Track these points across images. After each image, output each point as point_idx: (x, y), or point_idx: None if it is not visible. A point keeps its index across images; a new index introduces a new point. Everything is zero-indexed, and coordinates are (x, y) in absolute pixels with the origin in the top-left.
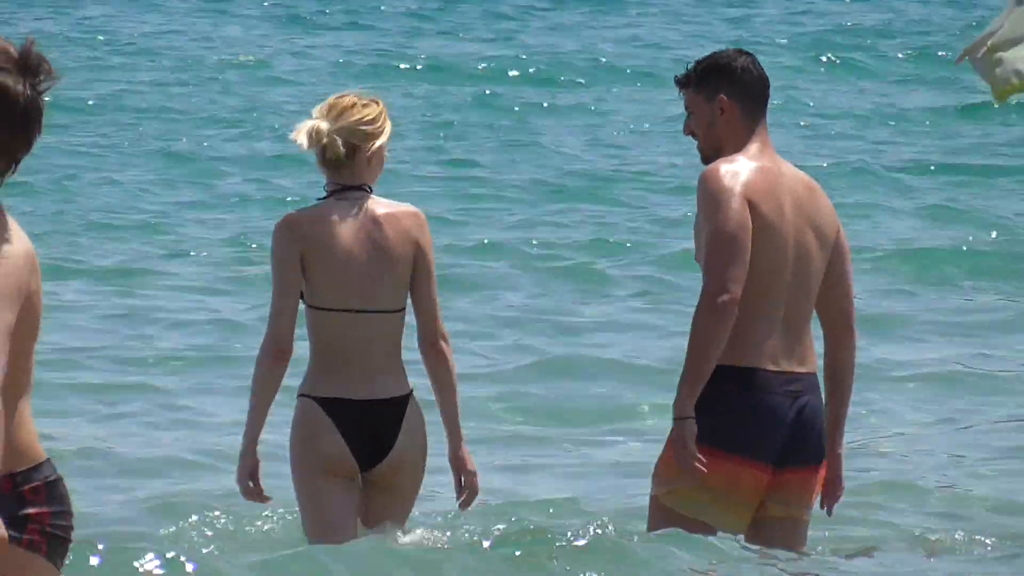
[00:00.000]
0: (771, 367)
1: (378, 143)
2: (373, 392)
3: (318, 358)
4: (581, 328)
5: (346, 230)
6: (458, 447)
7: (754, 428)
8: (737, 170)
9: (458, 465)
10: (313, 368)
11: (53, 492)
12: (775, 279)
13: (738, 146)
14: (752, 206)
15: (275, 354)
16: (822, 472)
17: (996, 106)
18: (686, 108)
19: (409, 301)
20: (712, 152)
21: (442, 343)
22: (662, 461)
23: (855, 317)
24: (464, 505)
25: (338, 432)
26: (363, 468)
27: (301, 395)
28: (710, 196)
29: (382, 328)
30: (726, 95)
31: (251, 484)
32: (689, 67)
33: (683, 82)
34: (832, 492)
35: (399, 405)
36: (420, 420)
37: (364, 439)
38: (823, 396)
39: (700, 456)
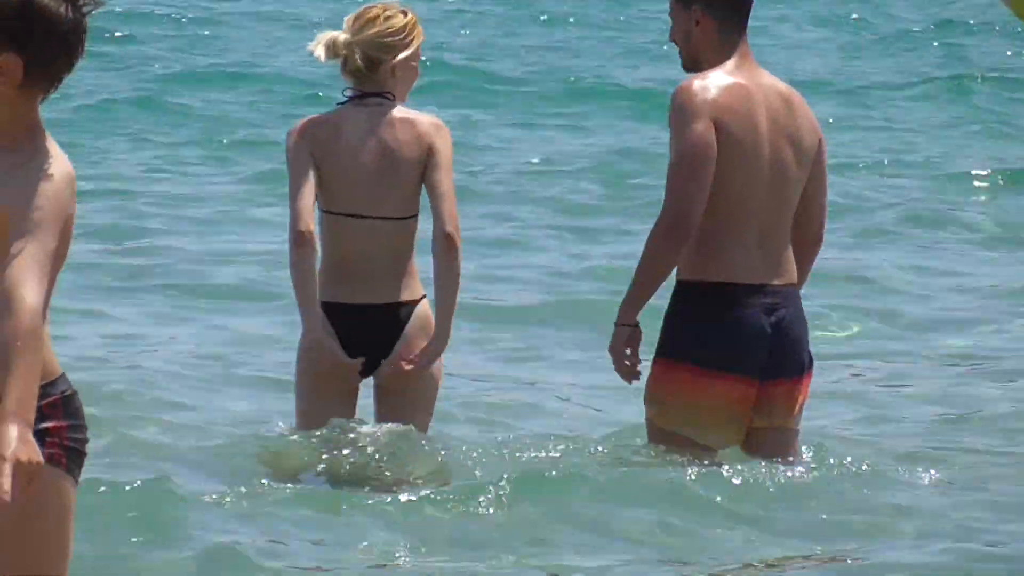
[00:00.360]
0: (746, 281)
1: (403, 55)
2: (374, 297)
3: (325, 262)
4: None
5: (356, 134)
6: (439, 342)
7: (737, 344)
8: (708, 86)
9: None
10: (322, 273)
11: (69, 406)
12: (750, 196)
13: (715, 59)
14: (723, 125)
15: (298, 240)
16: (807, 381)
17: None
18: (670, 15)
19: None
20: (691, 62)
21: (448, 238)
22: (650, 380)
23: (824, 231)
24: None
25: (336, 337)
26: (363, 373)
27: None
28: (676, 114)
29: (388, 234)
30: (700, 7)
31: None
32: None
33: None
34: None
35: (402, 310)
36: (428, 326)
37: (362, 343)
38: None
39: (682, 376)
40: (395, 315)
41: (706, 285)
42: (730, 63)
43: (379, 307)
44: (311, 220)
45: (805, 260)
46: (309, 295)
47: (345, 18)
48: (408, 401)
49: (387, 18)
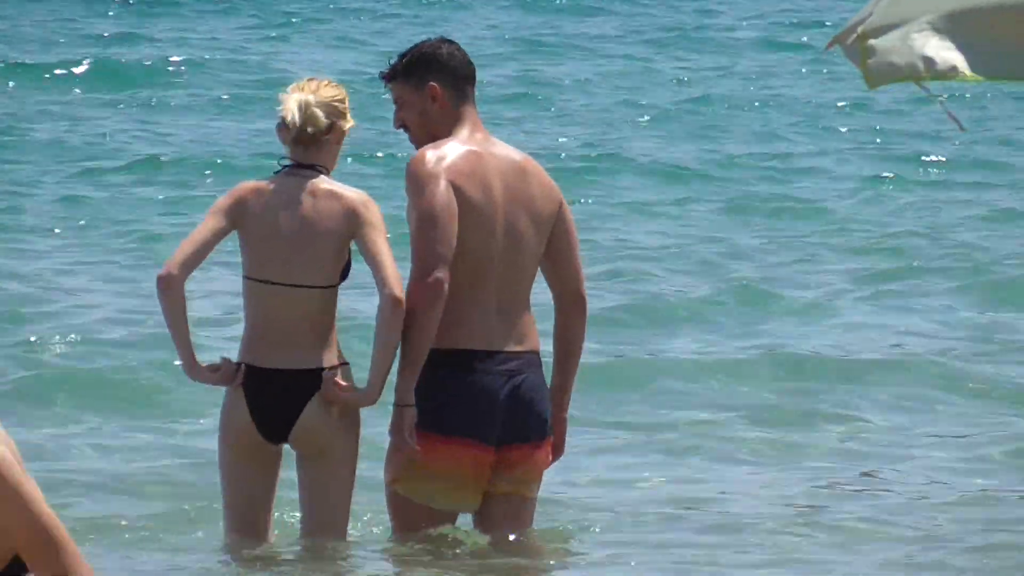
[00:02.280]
0: (484, 348)
1: (348, 124)
2: (285, 362)
3: (246, 326)
4: None
5: (280, 203)
6: (365, 395)
7: (471, 409)
8: (443, 154)
9: None
10: (243, 336)
11: None
12: (485, 262)
13: (450, 130)
14: (457, 189)
15: (159, 280)
16: (547, 446)
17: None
18: (395, 101)
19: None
20: (427, 139)
21: (395, 301)
22: (390, 449)
23: (584, 290)
24: None
25: (244, 401)
26: (273, 439)
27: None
28: (414, 180)
29: (303, 302)
30: (436, 82)
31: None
32: (393, 61)
33: (390, 76)
34: (556, 454)
35: (313, 376)
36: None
37: (271, 408)
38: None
39: (417, 442)
40: (304, 381)
41: (445, 352)
42: (464, 133)
43: (288, 372)
44: (179, 267)
45: (574, 322)
46: (182, 341)
47: (289, 88)
48: (328, 462)
49: (334, 86)
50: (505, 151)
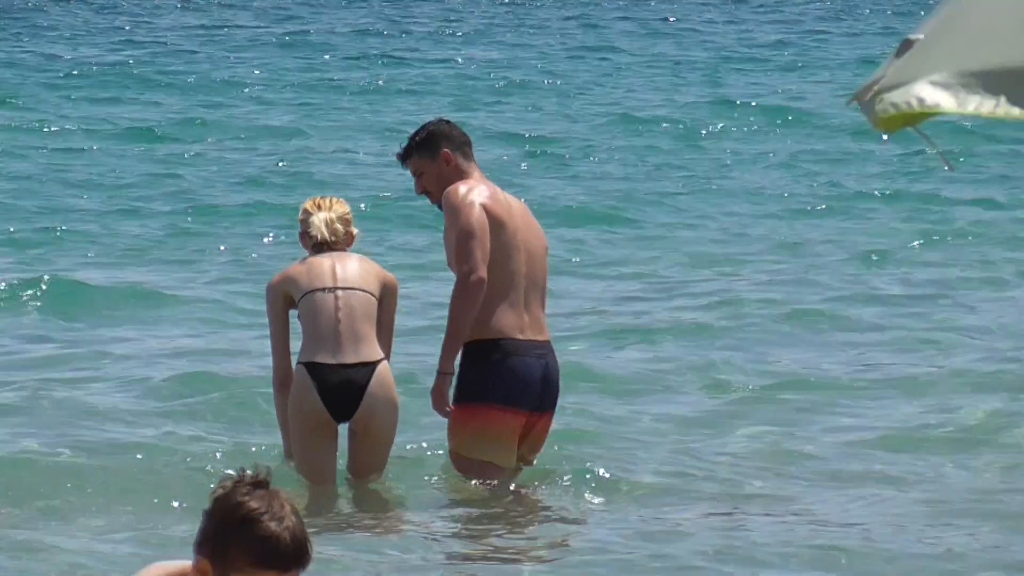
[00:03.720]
0: (520, 337)
1: (355, 231)
2: (348, 358)
3: (306, 333)
4: None
5: (327, 257)
6: None
7: (516, 385)
8: (471, 186)
9: None
10: (303, 341)
11: None
12: (511, 268)
13: (461, 179)
14: (488, 211)
15: (277, 386)
16: (552, 416)
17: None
18: (413, 174)
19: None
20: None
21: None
22: (452, 419)
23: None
24: None
25: (316, 391)
26: (339, 419)
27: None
28: (452, 207)
29: (358, 307)
30: (446, 149)
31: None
32: (404, 144)
33: (405, 155)
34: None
35: (369, 368)
36: (389, 382)
37: (338, 396)
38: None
39: (478, 411)
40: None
41: (493, 342)
42: (476, 175)
43: (349, 366)
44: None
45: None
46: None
47: (303, 207)
48: (373, 446)
49: (341, 202)
50: (514, 198)
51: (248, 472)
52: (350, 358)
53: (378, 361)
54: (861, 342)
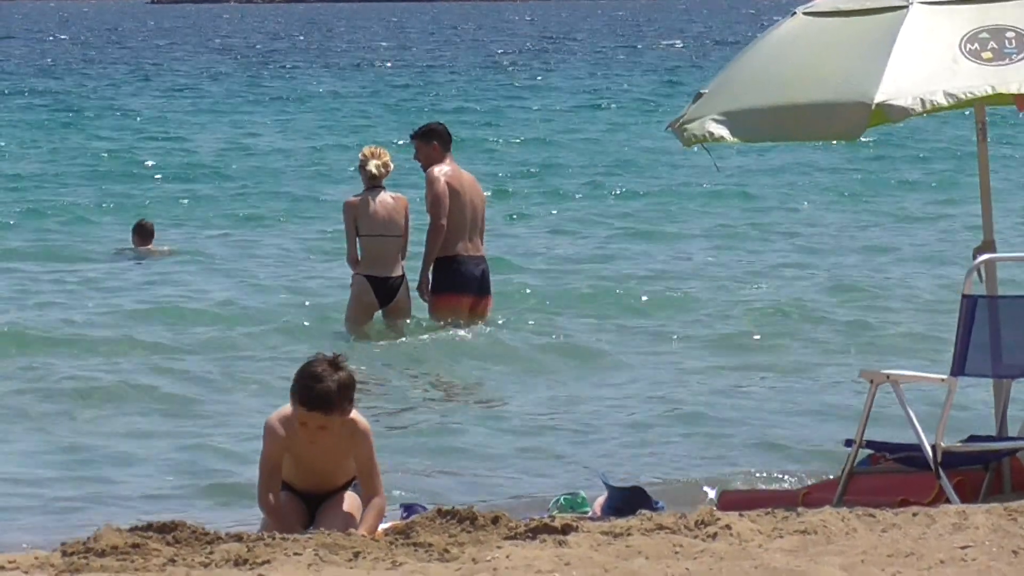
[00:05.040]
0: (465, 254)
1: (390, 168)
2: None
3: (364, 257)
4: None
5: (375, 200)
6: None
7: (464, 279)
8: (442, 169)
9: None
10: (363, 260)
11: None
12: (464, 219)
13: (440, 161)
14: (449, 185)
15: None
16: (490, 300)
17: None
18: (416, 148)
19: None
20: (429, 165)
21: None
22: (431, 305)
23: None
24: None
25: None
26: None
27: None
28: (430, 181)
29: (393, 247)
30: (435, 141)
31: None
32: (415, 130)
33: (413, 136)
34: None
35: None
36: (407, 285)
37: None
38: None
39: (440, 297)
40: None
41: (451, 257)
42: (448, 160)
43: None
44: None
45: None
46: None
47: (362, 154)
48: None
49: (385, 152)
50: (466, 172)
51: (330, 353)
52: (393, 273)
53: (402, 276)
54: None
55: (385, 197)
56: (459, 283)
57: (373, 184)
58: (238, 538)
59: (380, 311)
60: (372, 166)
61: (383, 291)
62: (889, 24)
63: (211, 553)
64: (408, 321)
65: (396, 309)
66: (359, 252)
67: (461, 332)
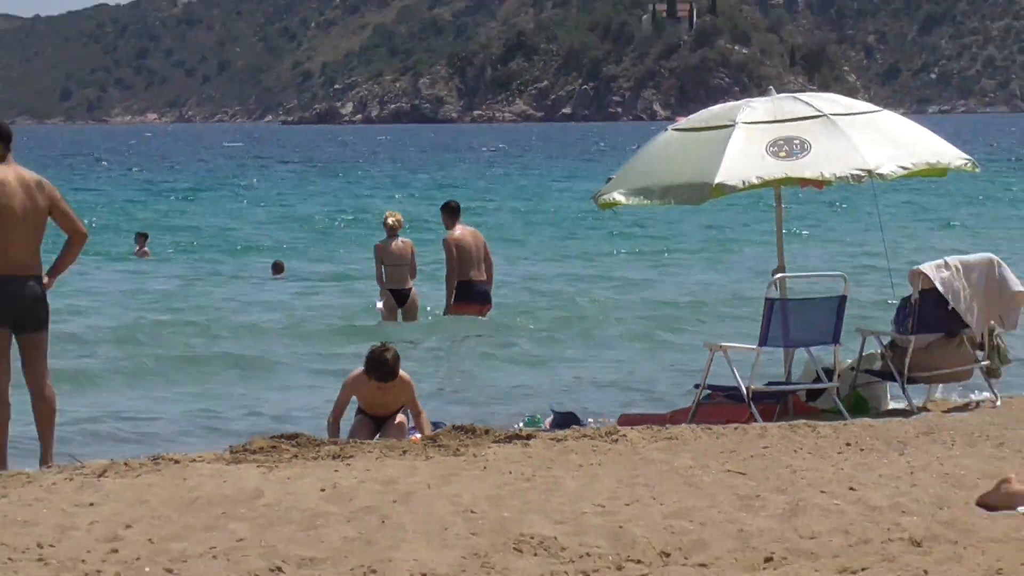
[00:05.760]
0: (475, 279)
1: (402, 223)
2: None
3: (387, 276)
4: None
5: (392, 243)
6: None
7: (476, 295)
8: (452, 233)
9: None
10: (386, 279)
11: None
12: (471, 257)
13: (451, 227)
14: (457, 242)
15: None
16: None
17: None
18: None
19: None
20: (447, 229)
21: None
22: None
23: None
24: None
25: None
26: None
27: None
28: (445, 241)
29: (407, 269)
30: (446, 214)
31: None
32: (443, 204)
33: (441, 208)
34: None
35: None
36: (416, 293)
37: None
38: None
39: (458, 306)
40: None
41: (465, 281)
42: (457, 225)
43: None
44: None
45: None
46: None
47: (384, 215)
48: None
49: (397, 215)
50: (470, 228)
51: (386, 343)
52: (405, 286)
53: (410, 288)
54: None
55: (399, 241)
56: (471, 297)
57: (391, 233)
58: (334, 443)
59: (399, 310)
60: (390, 221)
61: (400, 298)
62: (723, 136)
63: (319, 451)
64: (418, 317)
65: (409, 309)
66: (384, 275)
67: (467, 322)
